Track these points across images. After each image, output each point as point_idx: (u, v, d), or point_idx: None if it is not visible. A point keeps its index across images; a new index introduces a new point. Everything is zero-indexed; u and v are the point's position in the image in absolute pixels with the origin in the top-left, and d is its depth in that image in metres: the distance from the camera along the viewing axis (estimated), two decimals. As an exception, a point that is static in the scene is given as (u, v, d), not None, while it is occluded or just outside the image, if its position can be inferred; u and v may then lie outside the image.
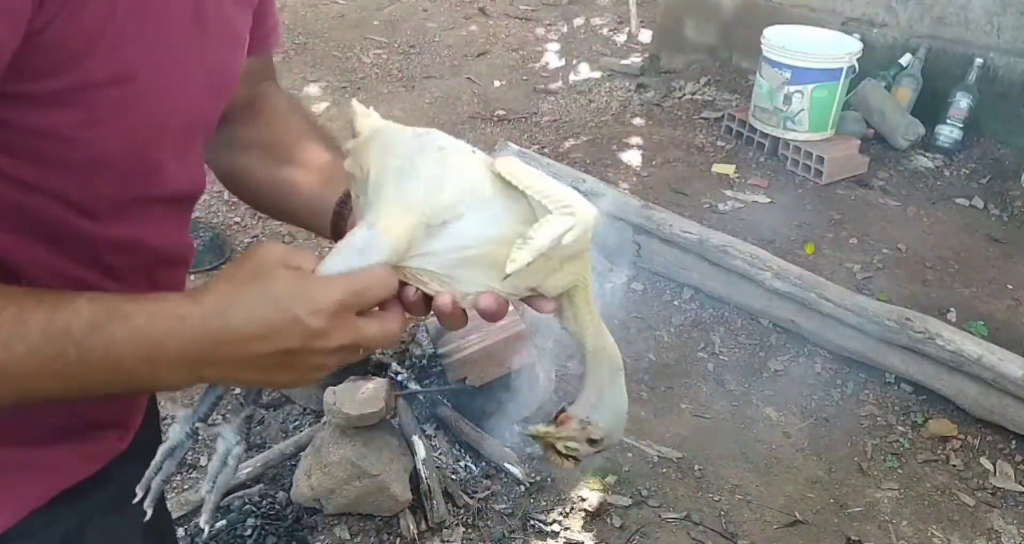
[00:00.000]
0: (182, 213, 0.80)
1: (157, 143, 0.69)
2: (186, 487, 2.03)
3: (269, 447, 2.11)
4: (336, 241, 0.69)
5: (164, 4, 0.64)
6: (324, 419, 1.95)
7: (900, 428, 2.36)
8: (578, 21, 5.08)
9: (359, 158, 0.67)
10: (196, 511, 1.92)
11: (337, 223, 0.78)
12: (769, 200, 3.25)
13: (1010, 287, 2.82)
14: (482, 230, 0.63)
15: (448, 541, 1.93)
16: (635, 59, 4.45)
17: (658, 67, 4.31)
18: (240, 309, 0.59)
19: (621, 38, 4.82)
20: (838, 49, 3.42)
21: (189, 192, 0.79)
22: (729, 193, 3.29)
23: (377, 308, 0.64)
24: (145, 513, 0.71)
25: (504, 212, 0.63)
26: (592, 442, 0.69)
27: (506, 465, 2.10)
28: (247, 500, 1.97)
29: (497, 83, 4.30)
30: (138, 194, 0.71)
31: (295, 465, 2.00)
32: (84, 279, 0.70)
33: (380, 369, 2.20)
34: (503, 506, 2.04)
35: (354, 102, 0.70)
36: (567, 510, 2.05)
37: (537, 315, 0.79)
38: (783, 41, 3.43)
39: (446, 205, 0.62)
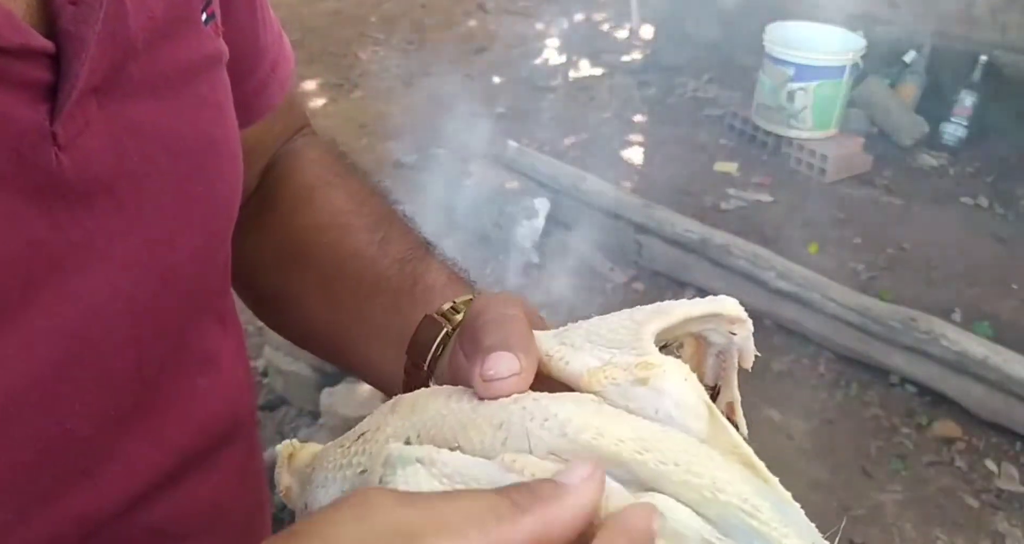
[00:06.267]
0: None
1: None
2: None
3: (265, 449, 2.09)
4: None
5: None
6: (320, 421, 1.93)
7: (904, 430, 2.34)
8: (578, 17, 5.04)
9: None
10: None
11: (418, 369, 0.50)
12: (772, 199, 3.23)
13: (1015, 287, 2.80)
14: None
15: None
16: (636, 55, 4.42)
17: (660, 64, 4.28)
18: None
19: (622, 34, 4.79)
20: (842, 46, 3.40)
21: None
22: (732, 191, 3.26)
23: None
24: None
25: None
26: None
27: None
28: (242, 503, 1.94)
29: (496, 80, 4.27)
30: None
31: (291, 468, 1.98)
32: None
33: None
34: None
35: (283, 444, 0.45)
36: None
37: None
38: (786, 38, 3.40)
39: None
